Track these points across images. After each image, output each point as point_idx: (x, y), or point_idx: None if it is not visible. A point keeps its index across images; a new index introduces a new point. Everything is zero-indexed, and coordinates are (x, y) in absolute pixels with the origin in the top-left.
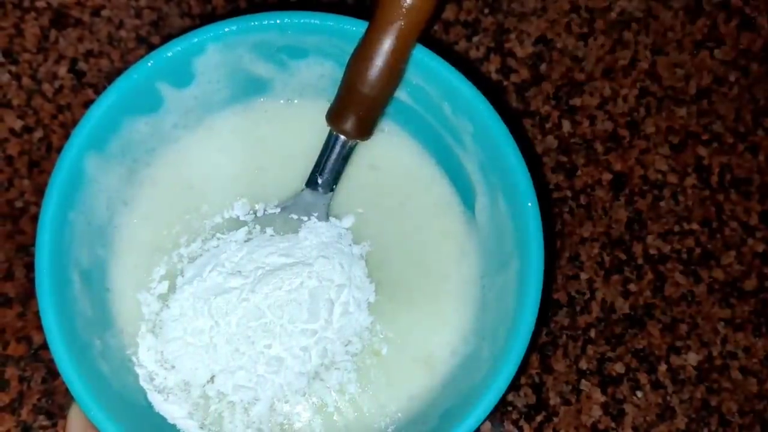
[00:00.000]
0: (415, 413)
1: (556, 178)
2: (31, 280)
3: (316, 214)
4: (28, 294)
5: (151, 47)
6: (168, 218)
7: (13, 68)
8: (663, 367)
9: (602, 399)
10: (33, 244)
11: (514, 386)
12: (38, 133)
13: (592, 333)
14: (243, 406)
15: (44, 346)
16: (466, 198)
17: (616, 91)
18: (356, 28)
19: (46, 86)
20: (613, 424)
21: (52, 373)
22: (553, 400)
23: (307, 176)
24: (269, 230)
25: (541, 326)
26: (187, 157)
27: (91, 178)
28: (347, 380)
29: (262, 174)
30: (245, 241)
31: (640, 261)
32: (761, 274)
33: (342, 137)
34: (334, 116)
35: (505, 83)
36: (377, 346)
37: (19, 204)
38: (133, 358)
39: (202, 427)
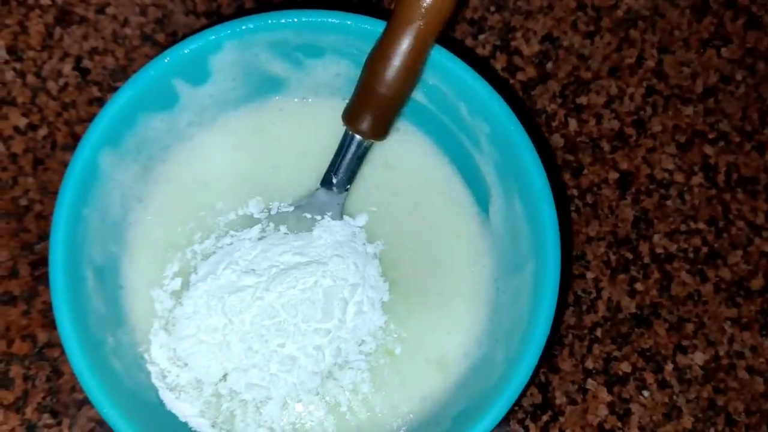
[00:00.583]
0: (427, 414)
1: (562, 176)
2: (35, 279)
3: (330, 214)
4: (33, 292)
5: (157, 45)
6: (182, 215)
7: (18, 66)
8: (669, 367)
9: (608, 398)
10: (37, 242)
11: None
12: (43, 131)
13: (599, 332)
14: (255, 404)
15: (49, 344)
16: (481, 199)
17: (623, 89)
18: (374, 27)
19: (50, 84)
20: (619, 424)
21: (57, 371)
22: (559, 399)
23: (322, 175)
24: (283, 228)
25: (554, 328)
26: (202, 154)
27: (105, 174)
28: (361, 380)
29: (277, 172)
30: (259, 239)
31: (646, 260)
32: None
33: (358, 137)
34: (350, 116)
35: (512, 81)
36: (391, 346)
37: (23, 202)
38: (146, 356)
39: (213, 426)
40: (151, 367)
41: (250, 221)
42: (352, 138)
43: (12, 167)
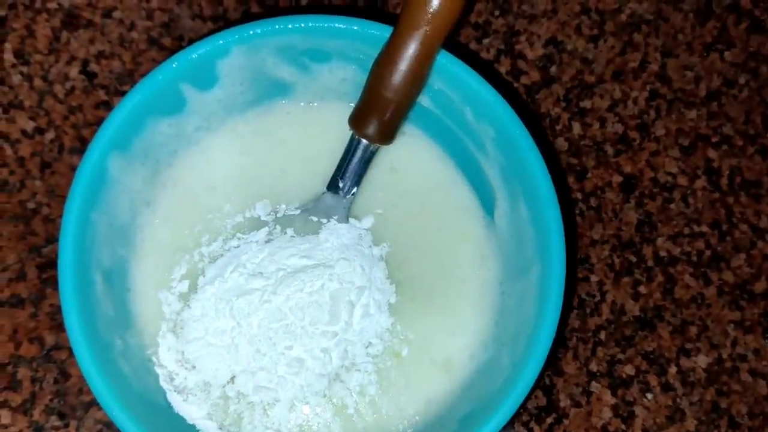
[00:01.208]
0: (432, 417)
1: (566, 180)
2: (43, 281)
3: (336, 217)
4: (41, 295)
5: (163, 49)
6: (189, 218)
7: (25, 69)
8: (673, 370)
9: (612, 401)
10: (45, 246)
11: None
12: (50, 135)
13: (603, 335)
14: (263, 406)
15: (56, 346)
16: (486, 202)
17: (627, 93)
18: (380, 32)
19: (57, 87)
20: (623, 426)
21: (64, 373)
22: (564, 402)
23: (328, 179)
24: (290, 231)
25: (559, 331)
26: (209, 158)
27: (114, 178)
28: (368, 382)
29: (284, 176)
30: (266, 242)
31: (650, 263)
32: None
33: (364, 141)
34: (356, 120)
35: (516, 85)
36: (398, 348)
37: (31, 205)
38: (154, 358)
39: (221, 428)
40: (159, 370)
41: (257, 224)
42: (359, 142)
43: (19, 170)
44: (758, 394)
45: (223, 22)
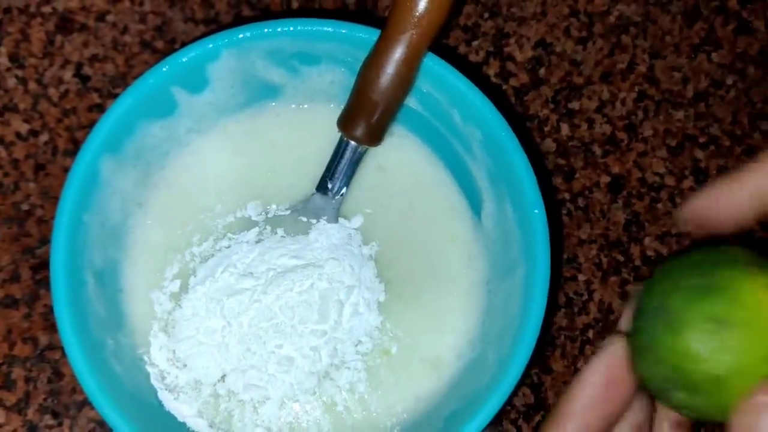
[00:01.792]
0: (420, 415)
1: (554, 180)
2: (37, 282)
3: (325, 217)
4: (34, 296)
5: (156, 52)
6: (181, 219)
7: (20, 73)
8: None
9: None
10: (39, 247)
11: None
12: (44, 137)
13: (590, 334)
14: (253, 404)
15: (50, 346)
16: (474, 203)
17: (615, 94)
18: (368, 36)
19: (51, 90)
20: None
21: (58, 373)
22: (552, 399)
23: (318, 180)
24: (280, 231)
25: (544, 330)
26: (201, 160)
27: (105, 180)
28: (357, 379)
29: (274, 177)
30: (256, 242)
31: (637, 262)
32: None
33: (352, 143)
34: (345, 122)
35: (505, 87)
36: (387, 345)
37: (25, 207)
38: (145, 357)
39: (211, 426)
40: (150, 369)
41: (248, 224)
42: (347, 144)
43: (14, 173)
44: None
45: (215, 25)
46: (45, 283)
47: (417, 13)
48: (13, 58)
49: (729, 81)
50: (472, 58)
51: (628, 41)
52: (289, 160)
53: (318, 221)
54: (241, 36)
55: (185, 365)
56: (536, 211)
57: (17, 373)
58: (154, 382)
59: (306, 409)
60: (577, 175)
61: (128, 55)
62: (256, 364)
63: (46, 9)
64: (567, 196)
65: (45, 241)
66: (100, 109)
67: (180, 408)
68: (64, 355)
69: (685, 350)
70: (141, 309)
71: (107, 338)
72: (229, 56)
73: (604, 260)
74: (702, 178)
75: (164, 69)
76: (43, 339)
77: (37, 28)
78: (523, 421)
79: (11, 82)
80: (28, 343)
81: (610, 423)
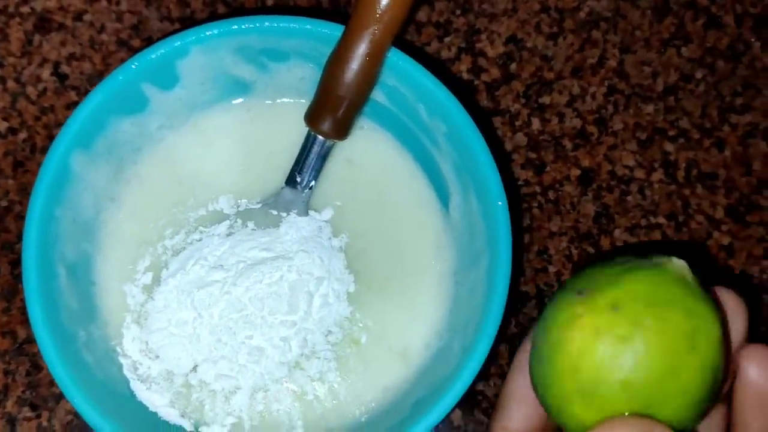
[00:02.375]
0: (389, 404)
1: (525, 174)
2: (15, 277)
3: (295, 211)
4: (13, 290)
5: (132, 50)
6: (154, 213)
7: None
8: None
9: None
10: (17, 242)
11: (483, 376)
12: (22, 135)
13: None
14: (224, 394)
15: (28, 340)
16: (442, 195)
17: (585, 89)
18: (334, 32)
19: (30, 89)
20: None
21: (36, 366)
22: None
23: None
24: (251, 224)
25: (510, 318)
26: (173, 155)
27: (77, 175)
28: (327, 369)
29: (247, 171)
30: (227, 235)
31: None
32: (726, 266)
33: (320, 137)
34: (311, 117)
35: (476, 82)
36: (357, 335)
37: (3, 203)
38: (118, 349)
39: (183, 415)
40: (123, 360)
41: (219, 217)
42: (315, 138)
43: None
44: None
45: (190, 23)
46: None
47: (380, 9)
48: None
49: (698, 75)
50: (444, 54)
51: (598, 36)
52: (260, 154)
53: (288, 214)
54: (208, 33)
55: (157, 356)
56: (499, 203)
57: None
58: (126, 372)
59: (277, 398)
60: (548, 169)
61: (105, 54)
62: (226, 355)
63: (25, 9)
64: (538, 189)
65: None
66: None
67: (152, 398)
68: None
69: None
70: (113, 301)
71: (79, 330)
72: (197, 53)
73: (575, 252)
74: (671, 170)
75: (133, 66)
76: (22, 333)
77: (16, 27)
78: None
79: None
80: (7, 336)
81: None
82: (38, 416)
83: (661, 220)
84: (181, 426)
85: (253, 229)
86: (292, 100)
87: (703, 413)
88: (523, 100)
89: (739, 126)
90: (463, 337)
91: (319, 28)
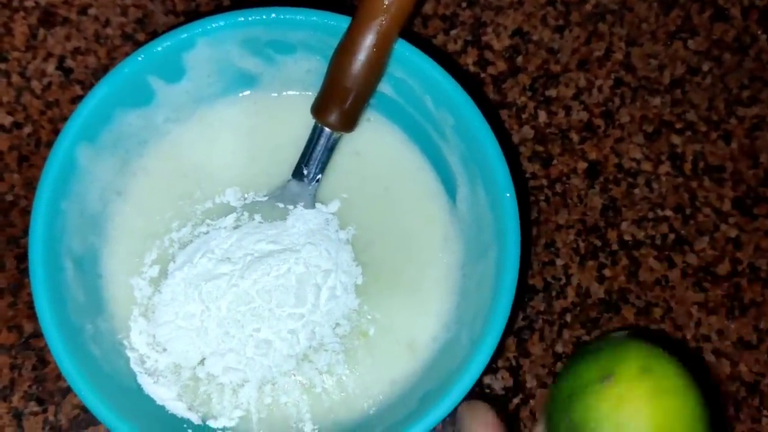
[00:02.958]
0: (396, 397)
1: (532, 167)
2: (21, 271)
3: (302, 204)
4: (19, 285)
5: (137, 44)
6: (160, 205)
7: (3, 66)
8: None
9: None
10: (23, 236)
11: (491, 369)
12: (27, 129)
13: (568, 317)
14: (232, 387)
15: (34, 334)
16: (449, 187)
17: (591, 81)
18: (340, 23)
19: (34, 83)
20: None
21: (43, 360)
22: (530, 382)
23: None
24: (257, 217)
25: (518, 311)
26: (180, 147)
27: (83, 168)
28: (335, 361)
29: (253, 164)
30: (234, 228)
31: (614, 247)
32: (734, 258)
33: (327, 129)
34: (318, 109)
35: (482, 75)
36: (365, 327)
37: (9, 197)
38: (125, 342)
39: (190, 409)
40: (130, 353)
41: (226, 209)
42: (322, 130)
43: None
44: (722, 374)
45: (195, 17)
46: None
47: (387, 0)
48: None
49: (705, 67)
50: (450, 47)
51: (604, 29)
52: (266, 147)
53: (295, 207)
54: (215, 25)
55: (165, 349)
56: (507, 194)
57: (2, 360)
58: (133, 366)
59: (285, 391)
60: (555, 162)
61: (110, 48)
62: (234, 348)
63: (29, 3)
64: (545, 182)
65: (29, 231)
66: None
67: (159, 391)
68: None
69: None
70: (120, 294)
71: (86, 323)
72: (204, 45)
73: (582, 245)
74: (678, 163)
75: (139, 58)
76: (28, 327)
77: (20, 21)
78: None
79: None
80: (13, 331)
81: None
82: (44, 411)
83: (669, 212)
84: (188, 419)
85: (260, 222)
86: (298, 93)
87: None
88: (529, 93)
89: (746, 118)
90: (471, 330)
91: (325, 20)
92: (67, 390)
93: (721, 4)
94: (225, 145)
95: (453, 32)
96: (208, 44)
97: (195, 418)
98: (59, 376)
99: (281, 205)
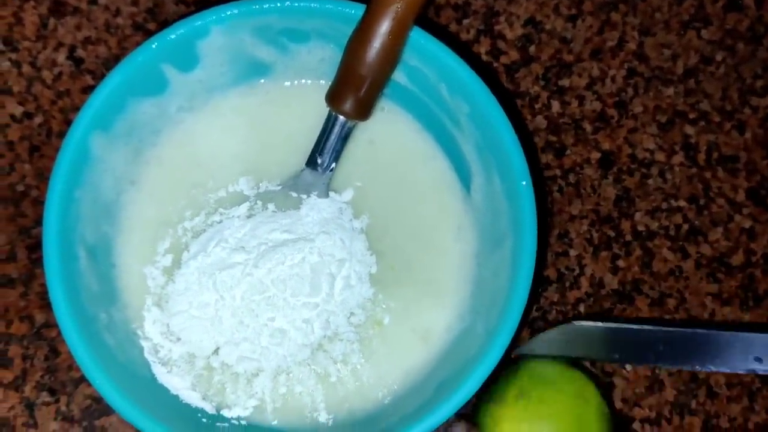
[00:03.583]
0: (411, 386)
1: (545, 157)
2: (33, 261)
3: (316, 193)
4: (30, 275)
5: (148, 34)
6: (174, 195)
7: (14, 56)
8: None
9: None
10: (35, 227)
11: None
12: (38, 119)
13: (582, 308)
14: (246, 377)
15: (46, 324)
16: (463, 176)
17: (605, 71)
18: (355, 11)
19: (45, 73)
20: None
21: (54, 350)
22: None
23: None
24: (271, 206)
25: (532, 302)
26: (193, 136)
27: (96, 157)
28: (350, 351)
29: (266, 153)
30: (248, 217)
31: (628, 237)
32: (748, 249)
33: (341, 118)
34: (333, 97)
35: (495, 65)
36: (379, 316)
37: (20, 188)
38: (138, 331)
39: (204, 398)
40: (144, 343)
41: (239, 198)
42: (336, 119)
43: (9, 154)
44: None
45: (206, 6)
46: (41, 262)
47: None
48: (7, 41)
49: (718, 57)
50: (463, 36)
51: (617, 18)
52: (280, 136)
53: (309, 196)
54: (228, 13)
55: (179, 339)
56: (524, 183)
57: (14, 351)
58: (147, 355)
59: (299, 380)
60: (568, 152)
61: (121, 37)
62: (249, 337)
63: None
64: (558, 172)
65: (40, 221)
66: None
67: (173, 381)
68: (60, 333)
69: None
70: (134, 283)
71: (100, 312)
72: (217, 33)
73: (595, 235)
74: (692, 153)
75: (153, 46)
76: (40, 317)
77: (31, 11)
78: None
79: (5, 65)
80: (25, 321)
81: None
82: (56, 401)
83: (682, 203)
84: (202, 409)
85: (273, 211)
86: (311, 82)
87: None
88: (542, 83)
89: (760, 108)
90: (487, 320)
91: (340, 8)
92: (80, 380)
93: None
94: (238, 134)
95: (465, 21)
96: (222, 32)
97: (209, 408)
98: (71, 367)
99: (295, 195)
